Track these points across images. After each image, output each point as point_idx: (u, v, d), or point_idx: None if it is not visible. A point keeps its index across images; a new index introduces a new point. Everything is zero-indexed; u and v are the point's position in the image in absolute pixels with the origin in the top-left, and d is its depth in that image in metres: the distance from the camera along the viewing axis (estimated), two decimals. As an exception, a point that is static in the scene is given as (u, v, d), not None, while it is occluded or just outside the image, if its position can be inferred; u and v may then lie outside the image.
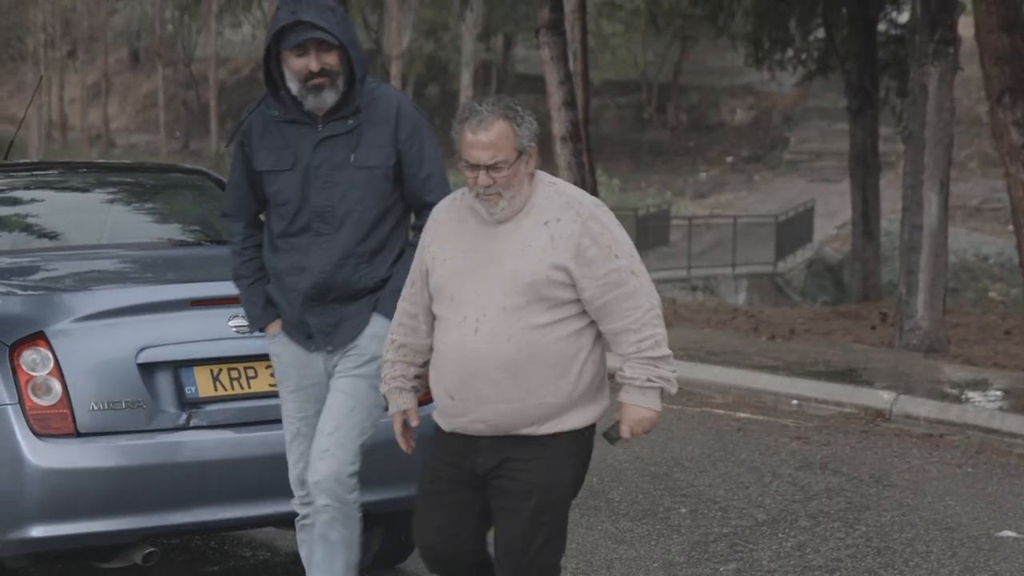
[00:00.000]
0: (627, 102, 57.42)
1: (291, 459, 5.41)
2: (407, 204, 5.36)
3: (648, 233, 35.32)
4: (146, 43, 65.25)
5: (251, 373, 5.89)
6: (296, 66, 5.14)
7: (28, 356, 5.51)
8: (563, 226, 4.57)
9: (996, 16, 17.98)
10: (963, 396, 11.29)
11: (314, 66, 5.11)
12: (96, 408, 5.52)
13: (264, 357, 5.68)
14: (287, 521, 6.35)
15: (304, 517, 5.38)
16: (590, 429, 4.71)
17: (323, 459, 5.22)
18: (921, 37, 14.29)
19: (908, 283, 14.33)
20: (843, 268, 33.44)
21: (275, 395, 5.61)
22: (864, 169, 24.17)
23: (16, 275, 6.07)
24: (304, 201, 5.23)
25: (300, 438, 5.37)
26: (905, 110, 16.51)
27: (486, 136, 4.54)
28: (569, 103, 17.69)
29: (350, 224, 5.19)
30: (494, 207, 4.59)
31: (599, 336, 4.69)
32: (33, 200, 7.21)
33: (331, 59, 5.14)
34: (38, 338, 5.53)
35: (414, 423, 4.91)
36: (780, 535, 7.49)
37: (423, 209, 5.28)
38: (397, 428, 4.96)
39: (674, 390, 4.65)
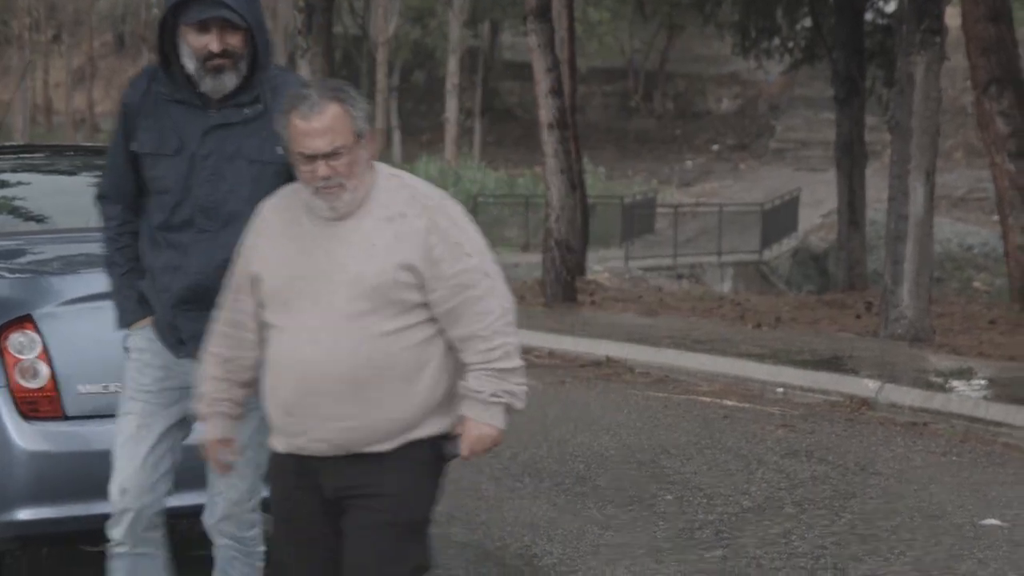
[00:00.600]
0: (613, 90, 57.43)
1: (118, 463, 4.84)
2: None
3: (634, 221, 35.36)
4: (131, 27, 65.09)
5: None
6: (196, 44, 4.65)
7: (15, 339, 5.50)
8: (409, 222, 4.11)
9: (983, 6, 18.04)
10: (948, 385, 11.32)
11: (215, 46, 4.63)
12: (84, 392, 5.52)
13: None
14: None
15: (119, 544, 4.86)
16: (443, 437, 4.23)
17: (217, 501, 4.90)
18: (908, 26, 14.30)
19: (893, 272, 14.36)
20: (828, 257, 33.51)
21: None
22: (850, 158, 24.22)
23: (3, 258, 6.06)
24: (186, 192, 4.73)
25: (134, 442, 4.81)
26: (891, 99, 16.54)
27: (320, 122, 4.06)
28: (556, 90, 17.70)
29: (236, 223, 4.55)
30: (337, 200, 4.11)
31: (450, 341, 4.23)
32: (20, 183, 7.20)
33: (235, 40, 4.67)
34: (26, 321, 5.52)
35: (233, 458, 4.51)
36: (766, 522, 7.51)
37: None
38: (212, 456, 4.47)
39: (520, 406, 4.18)
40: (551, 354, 13.55)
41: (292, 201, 4.25)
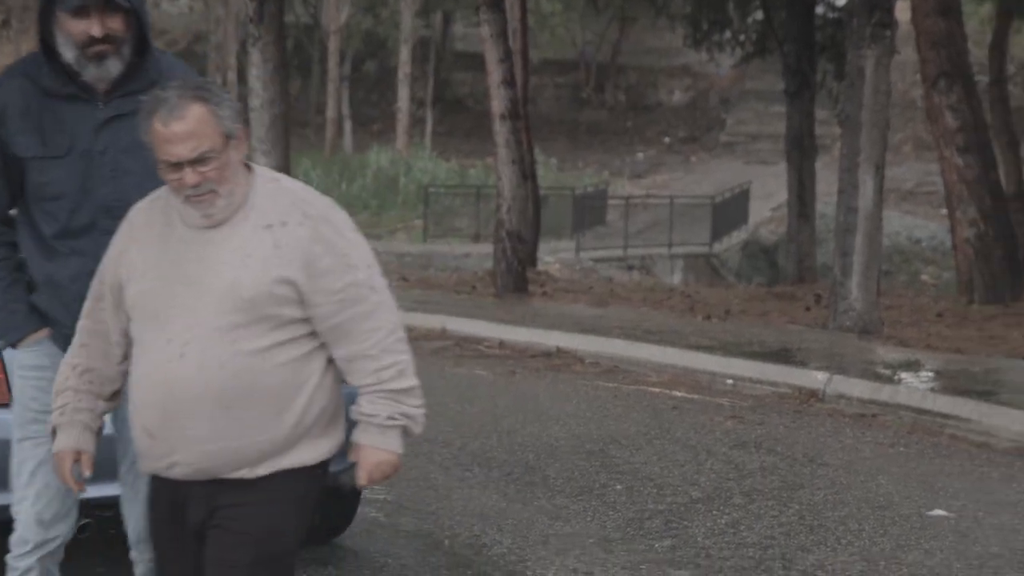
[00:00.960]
0: (565, 81, 57.45)
1: (30, 492, 4.51)
2: None
3: (585, 212, 35.39)
4: (81, 14, 64.57)
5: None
6: (75, 30, 4.30)
7: None
8: (290, 231, 3.79)
9: (932, 0, 18.13)
10: (896, 377, 11.39)
11: (97, 31, 4.29)
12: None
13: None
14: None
15: (24, 573, 4.54)
16: (321, 466, 3.95)
17: (129, 526, 4.67)
18: (858, 20, 14.37)
19: (843, 265, 14.43)
20: (778, 249, 33.64)
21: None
22: (800, 151, 24.33)
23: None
24: (85, 194, 4.39)
25: (47, 469, 4.42)
26: (842, 93, 16.62)
27: (182, 126, 3.72)
28: (508, 81, 17.69)
29: None
30: (210, 208, 3.78)
31: (331, 360, 3.91)
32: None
33: (117, 24, 4.33)
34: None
35: (87, 472, 4.08)
36: (714, 512, 7.53)
37: None
38: (63, 472, 4.07)
39: (418, 430, 3.91)
40: (501, 344, 13.55)
41: (164, 205, 3.92)
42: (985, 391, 10.73)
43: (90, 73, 4.37)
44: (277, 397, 3.78)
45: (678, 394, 11.16)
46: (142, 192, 4.12)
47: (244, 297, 3.74)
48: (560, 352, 13.10)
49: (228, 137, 3.78)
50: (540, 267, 22.86)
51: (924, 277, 34.13)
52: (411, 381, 3.87)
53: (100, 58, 4.35)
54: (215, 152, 3.74)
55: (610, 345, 13.08)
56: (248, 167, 3.89)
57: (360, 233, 3.92)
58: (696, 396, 11.10)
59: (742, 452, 9.00)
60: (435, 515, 7.37)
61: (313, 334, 3.84)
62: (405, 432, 3.87)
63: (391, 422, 3.84)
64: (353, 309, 3.81)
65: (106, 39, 4.32)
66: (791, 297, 19.71)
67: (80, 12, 4.29)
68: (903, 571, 6.60)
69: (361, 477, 3.87)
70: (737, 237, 37.24)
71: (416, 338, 13.62)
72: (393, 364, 3.84)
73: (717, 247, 35.75)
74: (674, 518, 7.42)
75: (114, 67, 4.37)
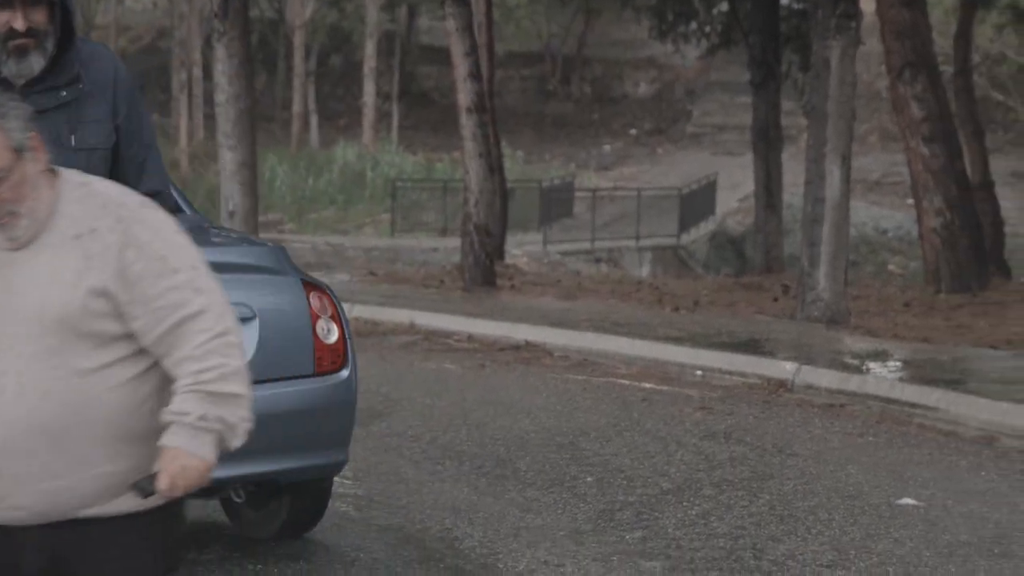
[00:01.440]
0: (531, 74, 57.47)
1: None
2: None
3: (552, 205, 35.43)
4: (44, 10, 64.27)
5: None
6: None
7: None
8: (100, 237, 3.41)
9: (898, -9, 18.19)
10: (864, 367, 11.43)
11: (19, 24, 4.09)
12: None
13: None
14: (195, 490, 6.33)
15: None
16: (174, 503, 3.55)
17: None
18: (823, 11, 14.41)
19: (810, 255, 14.48)
20: (745, 240, 33.75)
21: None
22: (766, 142, 24.40)
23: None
24: None
25: None
26: (807, 84, 16.64)
27: None
28: (474, 74, 17.69)
29: None
30: (14, 230, 3.41)
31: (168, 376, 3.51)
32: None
33: (40, 16, 4.12)
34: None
35: None
36: (685, 503, 7.55)
37: None
38: None
39: (237, 443, 3.44)
40: (470, 338, 13.55)
41: None
42: (952, 380, 10.78)
43: (10, 68, 4.18)
44: (113, 423, 3.40)
45: (647, 386, 11.18)
46: None
47: (54, 317, 3.37)
48: (529, 345, 13.12)
49: (19, 151, 3.38)
50: (508, 260, 22.87)
51: (891, 267, 34.28)
52: (237, 388, 3.40)
53: (21, 53, 4.17)
54: (5, 170, 3.35)
55: (579, 338, 13.10)
56: (53, 172, 3.49)
57: (183, 234, 3.51)
58: (665, 387, 11.12)
59: (712, 443, 9.02)
60: (406, 509, 7.37)
61: (145, 352, 3.45)
62: (221, 441, 3.39)
63: (203, 423, 3.35)
64: (175, 315, 3.39)
65: (28, 33, 4.14)
66: (759, 288, 19.77)
67: (2, 4, 4.11)
68: (873, 560, 6.62)
69: (163, 482, 3.34)
70: (704, 228, 37.33)
71: (384, 332, 13.63)
72: (218, 366, 3.38)
73: (685, 239, 35.83)
74: (645, 509, 7.43)
75: (36, 63, 4.19)
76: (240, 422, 3.41)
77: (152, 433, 3.39)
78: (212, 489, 6.38)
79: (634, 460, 8.51)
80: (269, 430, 6.02)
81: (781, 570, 6.48)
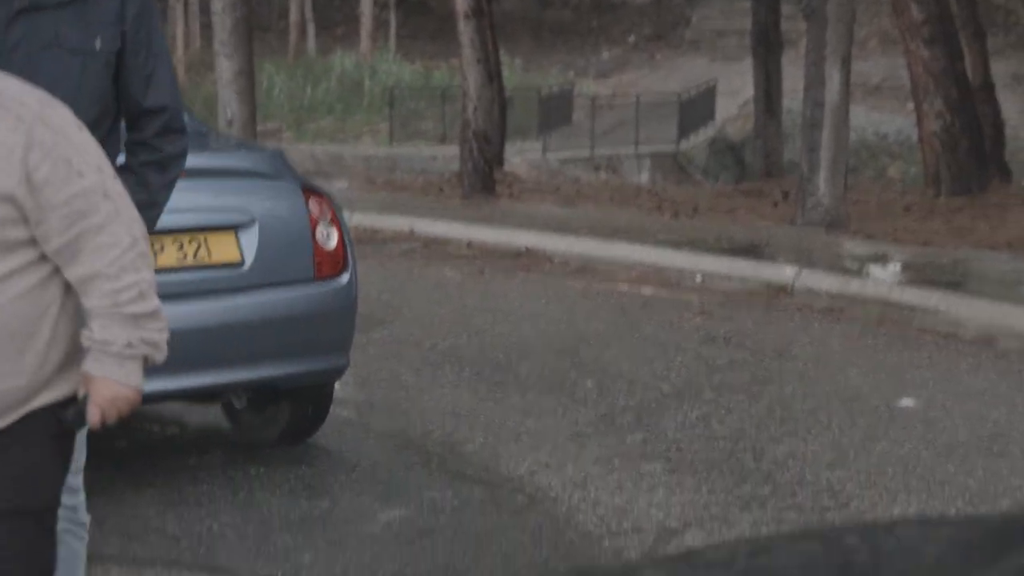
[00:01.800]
0: (529, -19, 57.01)
1: None
2: (120, 109, 4.08)
3: (551, 113, 35.26)
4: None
5: (159, 247, 5.83)
6: None
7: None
8: (1, 139, 3.18)
9: None
10: (864, 270, 11.44)
11: None
12: None
13: (172, 232, 5.62)
14: (196, 395, 6.36)
15: None
16: (71, 400, 3.38)
17: None
18: (824, -87, 14.26)
19: (810, 160, 14.43)
20: (745, 146, 33.63)
21: (181, 270, 5.55)
22: (766, 47, 24.24)
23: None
24: None
25: None
26: (807, -13, 16.51)
27: None
28: (472, -21, 17.55)
29: None
30: None
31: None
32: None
33: None
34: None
35: None
36: (685, 407, 7.58)
37: (141, 119, 4.06)
38: None
39: (161, 358, 3.33)
40: (469, 245, 13.54)
41: None
42: (952, 282, 10.79)
43: None
44: (16, 335, 3.22)
45: (647, 291, 11.18)
46: (54, 96, 3.47)
47: None
48: (529, 252, 13.11)
49: None
50: (506, 168, 22.80)
51: (891, 172, 34.20)
52: (152, 304, 3.27)
53: None
54: None
55: (579, 244, 13.09)
56: None
57: (86, 132, 3.29)
58: (665, 293, 11.13)
59: (711, 347, 9.04)
60: (407, 414, 7.40)
61: (46, 256, 3.25)
62: (146, 361, 3.30)
63: (130, 351, 3.23)
64: (82, 224, 3.19)
65: None
66: (758, 193, 19.73)
67: None
68: (872, 460, 6.66)
69: (93, 414, 3.24)
70: (704, 135, 37.18)
71: (383, 240, 13.62)
72: (134, 284, 3.22)
73: (684, 145, 35.70)
74: (645, 413, 7.46)
75: None
76: (161, 335, 3.28)
77: (55, 344, 3.27)
78: (213, 394, 6.42)
79: (634, 365, 8.53)
80: (269, 335, 6.05)
81: (781, 470, 6.52)
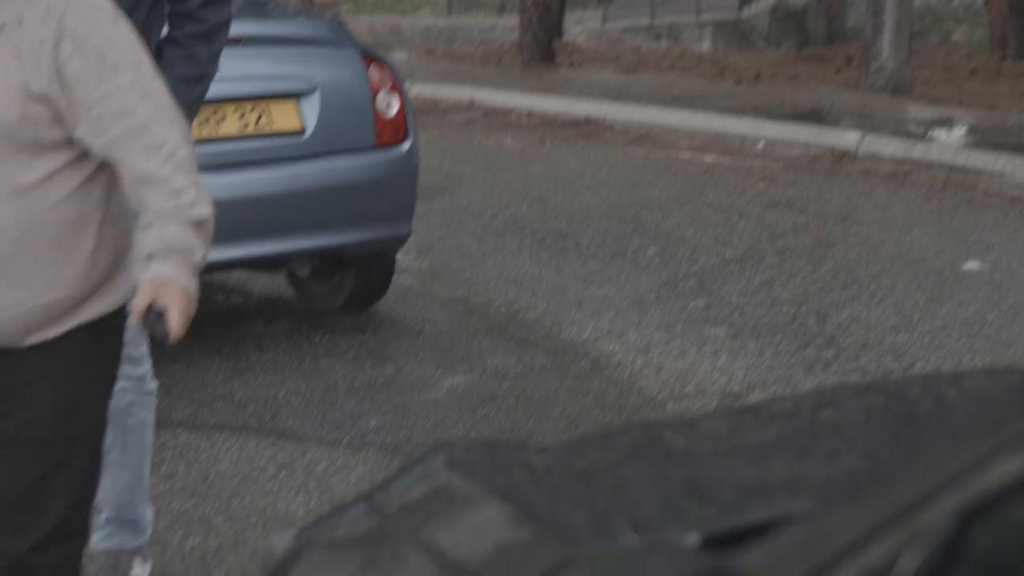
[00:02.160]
0: None
1: None
2: None
3: (611, -19, 34.86)
4: None
5: (220, 116, 5.84)
6: None
7: None
8: (29, 31, 2.92)
9: None
10: (928, 134, 11.31)
11: None
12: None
13: (233, 100, 5.62)
14: (260, 264, 6.41)
15: None
16: (118, 314, 3.18)
17: None
18: None
19: (874, 24, 14.22)
20: (808, 12, 33.18)
21: (242, 138, 5.55)
22: (830, -91, 23.86)
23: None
24: None
25: None
26: None
27: None
28: None
29: None
30: None
31: (115, 181, 3.07)
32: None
33: None
34: None
35: None
36: (748, 272, 7.56)
37: (178, 18, 3.99)
38: None
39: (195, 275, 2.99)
40: (530, 114, 13.47)
41: None
42: (1018, 145, 10.65)
43: None
44: (59, 244, 3.00)
45: (709, 159, 11.11)
46: None
47: None
48: (589, 120, 13.03)
49: None
50: (566, 39, 22.63)
51: (956, 37, 33.70)
52: (209, 208, 2.98)
53: None
54: None
55: (640, 112, 13.00)
56: None
57: (124, 23, 3.02)
58: (727, 160, 11.05)
59: (774, 213, 8.99)
60: (470, 282, 7.42)
61: (88, 155, 3.02)
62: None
63: (192, 259, 2.95)
64: (121, 124, 2.95)
65: None
66: (821, 59, 19.48)
67: None
68: (936, 323, 6.64)
69: (179, 325, 2.93)
70: (766, 2, 36.70)
71: (444, 110, 13.58)
72: (191, 185, 2.96)
73: (746, 12, 35.25)
74: (707, 279, 7.45)
75: None
76: (204, 257, 2.99)
77: (101, 251, 3.05)
78: (277, 263, 6.46)
79: (696, 231, 8.50)
80: (331, 203, 6.07)
81: (844, 334, 6.51)
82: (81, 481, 3.16)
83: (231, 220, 5.74)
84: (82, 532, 3.21)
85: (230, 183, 5.75)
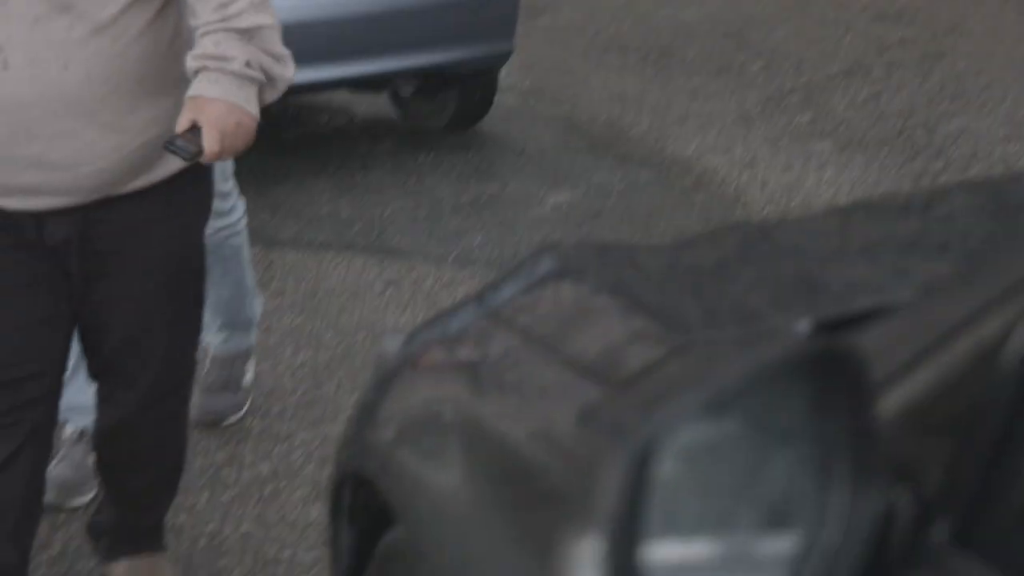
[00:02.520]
0: None
1: None
2: None
3: None
4: None
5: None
6: None
7: None
8: None
9: None
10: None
11: None
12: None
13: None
14: (363, 83, 6.42)
15: None
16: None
17: None
18: None
19: None
20: None
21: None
22: None
23: None
24: None
25: None
26: None
27: None
28: None
29: None
30: None
31: (186, 8, 2.86)
32: None
33: None
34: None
35: None
36: (855, 85, 7.45)
37: None
38: None
39: (272, 96, 2.84)
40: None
41: None
42: None
43: None
44: (146, 79, 2.84)
45: (814, -28, 10.89)
46: None
47: None
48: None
49: None
50: None
51: None
52: (265, 19, 2.78)
53: None
54: None
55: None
56: None
57: None
58: (833, -27, 10.83)
59: (882, 25, 8.82)
60: (573, 100, 7.38)
61: None
62: (259, 95, 2.80)
63: (249, 71, 2.75)
64: None
65: None
66: None
67: None
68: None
69: (210, 140, 2.70)
70: None
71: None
72: None
73: None
74: (814, 92, 7.36)
75: None
76: (280, 73, 2.81)
77: (186, 83, 2.80)
78: (380, 82, 6.47)
79: (802, 45, 8.38)
80: (432, 20, 6.05)
81: (954, 145, 6.43)
82: (195, 325, 3.18)
83: (334, 40, 5.76)
84: (189, 376, 3.22)
85: (334, 2, 5.74)
